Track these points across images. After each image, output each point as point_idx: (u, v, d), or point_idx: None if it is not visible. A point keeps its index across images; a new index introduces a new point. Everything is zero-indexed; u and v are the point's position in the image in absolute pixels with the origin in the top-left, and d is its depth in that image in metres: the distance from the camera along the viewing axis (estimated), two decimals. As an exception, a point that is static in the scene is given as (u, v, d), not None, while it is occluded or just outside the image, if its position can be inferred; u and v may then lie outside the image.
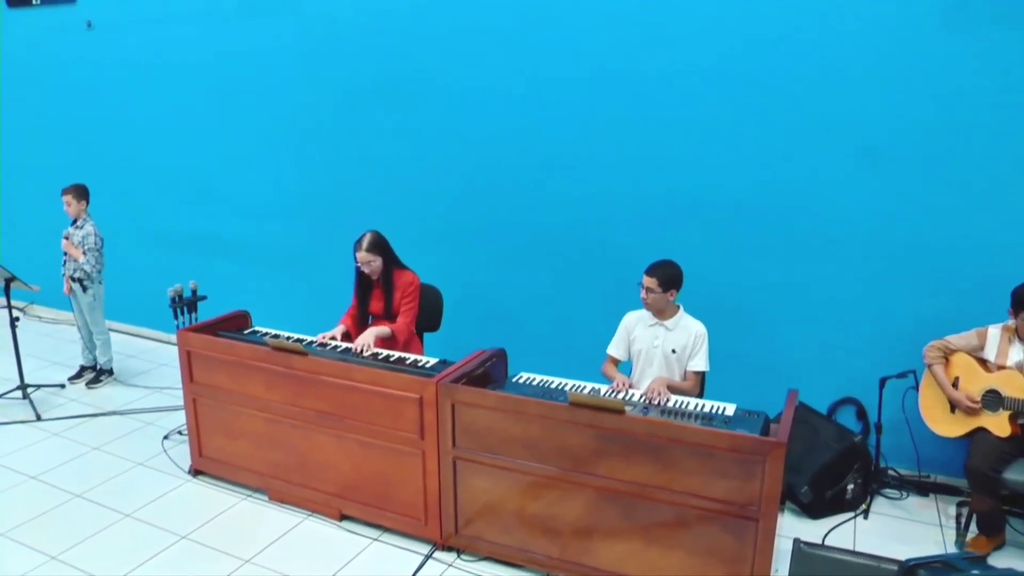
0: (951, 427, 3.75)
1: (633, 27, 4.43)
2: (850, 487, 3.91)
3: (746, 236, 4.36)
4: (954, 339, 3.76)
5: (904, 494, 4.16)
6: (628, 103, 4.52)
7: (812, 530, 3.77)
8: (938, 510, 4.04)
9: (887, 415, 4.06)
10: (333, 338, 4.14)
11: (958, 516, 3.80)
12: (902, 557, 2.27)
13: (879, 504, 4.07)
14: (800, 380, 4.07)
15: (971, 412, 3.65)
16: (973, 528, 3.69)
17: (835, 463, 3.89)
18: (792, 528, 3.76)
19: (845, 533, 3.79)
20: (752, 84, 4.20)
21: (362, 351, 3.92)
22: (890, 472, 4.22)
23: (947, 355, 3.77)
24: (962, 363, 3.73)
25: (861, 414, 4.27)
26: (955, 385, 3.72)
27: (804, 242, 4.24)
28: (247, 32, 5.78)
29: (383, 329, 4.11)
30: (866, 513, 3.94)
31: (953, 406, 3.72)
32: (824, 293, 4.24)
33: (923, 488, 4.18)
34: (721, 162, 4.35)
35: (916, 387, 3.91)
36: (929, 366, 3.80)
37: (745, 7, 4.15)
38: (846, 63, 3.99)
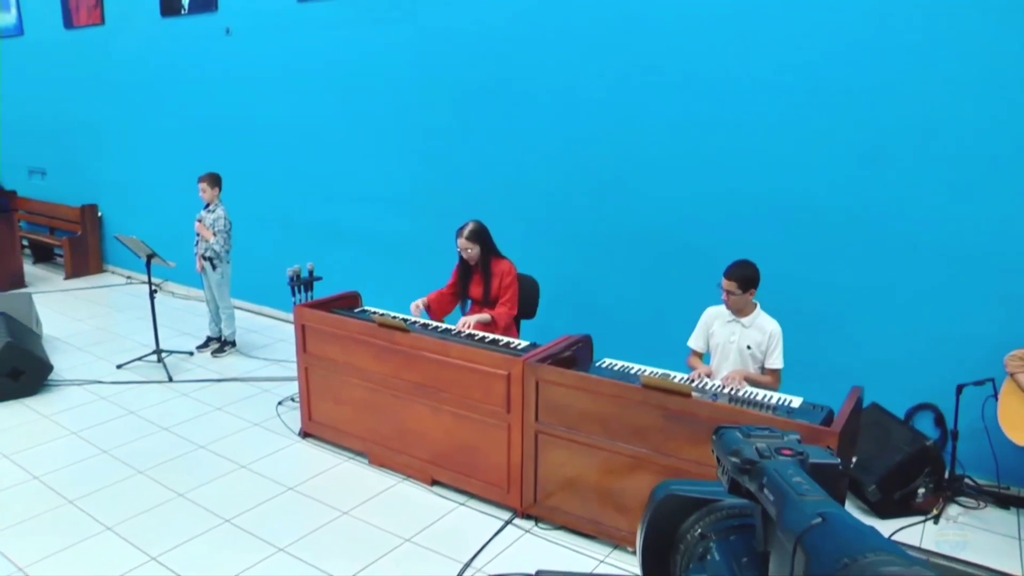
0: (1030, 438, 3.77)
1: (723, 37, 4.60)
2: (920, 490, 3.96)
3: (826, 239, 4.46)
4: (1037, 349, 3.78)
5: (982, 504, 4.14)
6: (716, 110, 4.70)
7: (878, 528, 3.85)
8: (1019, 524, 4.00)
9: (966, 423, 4.08)
10: (416, 307, 4.58)
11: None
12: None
13: (953, 511, 4.09)
14: (879, 384, 4.19)
15: (1049, 424, 3.67)
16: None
17: (905, 465, 3.94)
18: (860, 525, 3.86)
19: (912, 535, 3.84)
20: (835, 90, 4.31)
21: (460, 332, 4.30)
22: (967, 481, 4.22)
23: (1029, 365, 3.79)
24: (1044, 374, 3.75)
25: (939, 420, 4.30)
26: (1035, 396, 3.74)
27: (884, 246, 4.30)
28: (369, 39, 6.26)
29: (484, 316, 4.47)
30: (936, 518, 3.99)
31: (1032, 417, 3.74)
32: (904, 297, 4.29)
33: (1003, 500, 4.15)
34: (803, 166, 4.47)
35: (995, 396, 3.94)
36: (1012, 375, 3.82)
37: (831, 14, 4.26)
38: (929, 69, 4.04)
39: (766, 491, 0.72)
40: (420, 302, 4.63)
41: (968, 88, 3.98)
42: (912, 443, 4.01)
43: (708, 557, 0.81)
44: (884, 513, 3.98)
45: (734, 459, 0.79)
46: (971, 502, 4.15)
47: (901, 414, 4.35)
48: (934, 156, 4.12)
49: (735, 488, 0.79)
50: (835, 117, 4.34)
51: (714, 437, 0.83)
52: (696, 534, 0.85)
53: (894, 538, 3.78)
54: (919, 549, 3.06)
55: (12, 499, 4.09)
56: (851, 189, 4.36)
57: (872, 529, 0.62)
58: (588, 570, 3.48)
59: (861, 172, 4.32)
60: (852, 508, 4.03)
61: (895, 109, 4.18)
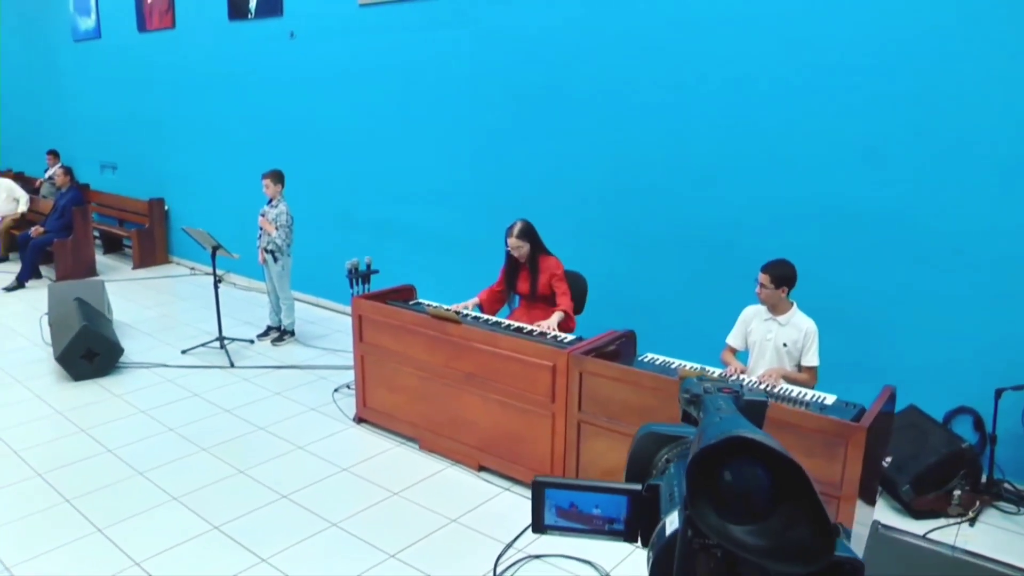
0: (1069, 444, 3.80)
1: (769, 44, 4.70)
2: (956, 492, 4.01)
3: (866, 242, 4.52)
4: (1076, 357, 3.80)
5: (1021, 509, 4.17)
6: (760, 115, 4.80)
7: (912, 528, 3.91)
8: (1060, 532, 4.04)
9: (1005, 428, 4.12)
10: (465, 307, 4.76)
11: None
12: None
13: (990, 515, 4.11)
14: (918, 386, 4.24)
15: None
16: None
17: (940, 467, 3.99)
18: (892, 523, 3.92)
19: (946, 536, 3.88)
20: (875, 95, 4.37)
21: (509, 325, 4.49)
22: (1005, 485, 4.25)
23: (1068, 372, 3.83)
24: (1084, 381, 3.78)
25: (978, 424, 4.33)
26: (1074, 403, 3.77)
27: (924, 249, 4.34)
28: (428, 42, 6.48)
29: (559, 314, 4.60)
30: (972, 521, 4.03)
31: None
32: (943, 301, 4.33)
33: (1042, 506, 4.19)
34: (844, 170, 4.54)
35: (1034, 401, 3.98)
36: (1050, 382, 3.86)
37: (878, 20, 4.32)
38: (968, 74, 4.07)
39: (701, 414, 0.97)
40: (471, 303, 4.86)
41: (1012, 91, 4.00)
42: (948, 445, 4.05)
43: (666, 472, 1.07)
44: (918, 514, 4.04)
45: (685, 395, 1.04)
46: (1010, 507, 4.18)
47: (940, 417, 4.39)
48: (974, 159, 4.14)
49: (686, 417, 1.06)
50: (876, 122, 4.40)
51: (680, 384, 1.09)
52: (664, 460, 1.10)
53: (928, 536, 3.83)
54: (952, 547, 3.11)
55: (90, 469, 4.41)
56: (891, 193, 4.41)
57: (748, 422, 0.86)
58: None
59: (901, 175, 4.37)
60: (886, 508, 4.10)
61: (935, 112, 4.22)
